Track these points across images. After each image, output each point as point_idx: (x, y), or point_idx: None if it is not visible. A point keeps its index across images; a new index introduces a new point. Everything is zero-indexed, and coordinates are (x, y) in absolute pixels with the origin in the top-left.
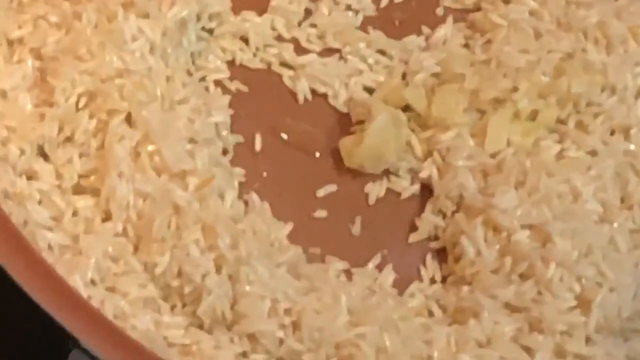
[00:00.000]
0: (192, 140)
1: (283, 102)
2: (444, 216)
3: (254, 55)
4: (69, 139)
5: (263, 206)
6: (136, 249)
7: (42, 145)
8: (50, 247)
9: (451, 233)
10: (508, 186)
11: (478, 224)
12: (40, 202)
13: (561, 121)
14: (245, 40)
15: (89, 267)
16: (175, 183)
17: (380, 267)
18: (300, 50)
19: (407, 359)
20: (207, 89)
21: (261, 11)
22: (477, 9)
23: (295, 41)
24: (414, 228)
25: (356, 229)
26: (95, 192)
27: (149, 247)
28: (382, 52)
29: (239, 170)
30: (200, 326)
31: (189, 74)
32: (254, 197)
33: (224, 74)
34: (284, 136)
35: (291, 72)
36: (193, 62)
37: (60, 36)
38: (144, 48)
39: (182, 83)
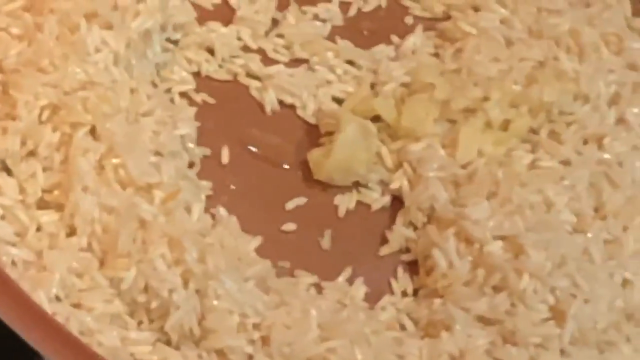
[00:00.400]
0: (157, 153)
1: (250, 114)
2: (415, 228)
3: (220, 66)
4: (32, 153)
5: (231, 219)
6: (102, 264)
7: (5, 159)
8: (14, 263)
9: (423, 245)
10: (480, 197)
11: (450, 236)
12: (3, 218)
13: (533, 131)
14: (211, 51)
15: (53, 283)
16: (141, 197)
17: (350, 281)
18: (267, 60)
19: None
20: (172, 100)
21: (227, 21)
22: (447, 17)
23: (262, 52)
24: (384, 240)
25: (326, 242)
26: (59, 207)
27: (115, 262)
28: (350, 62)
29: (206, 183)
30: (168, 342)
31: (154, 85)
32: (221, 210)
33: (190, 86)
34: (252, 148)
35: (258, 83)
36: (158, 74)
37: (22, 48)
38: (107, 59)
39: (147, 95)
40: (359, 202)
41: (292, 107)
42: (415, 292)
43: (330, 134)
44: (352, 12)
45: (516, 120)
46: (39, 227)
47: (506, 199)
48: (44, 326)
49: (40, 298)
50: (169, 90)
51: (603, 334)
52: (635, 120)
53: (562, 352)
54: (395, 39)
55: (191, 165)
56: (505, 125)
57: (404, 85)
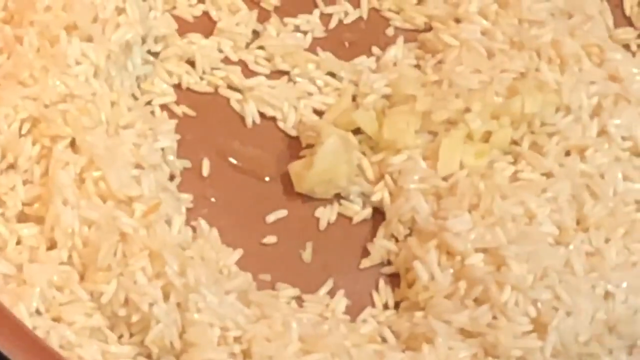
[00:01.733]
0: (138, 166)
1: (231, 126)
2: (397, 240)
3: (201, 78)
4: (12, 166)
5: (211, 232)
6: (82, 277)
7: None
8: None
9: (404, 258)
10: (461, 209)
11: (431, 248)
12: None
13: (515, 142)
14: (191, 63)
15: (33, 296)
16: (121, 209)
17: (331, 294)
18: (248, 72)
19: None
20: (153, 113)
21: (207, 33)
22: (428, 28)
23: (242, 63)
24: (366, 253)
25: (307, 254)
26: (39, 220)
27: (95, 276)
28: (331, 74)
29: (187, 196)
30: (149, 356)
31: (135, 98)
32: (202, 223)
33: (170, 98)
34: (232, 161)
35: (239, 95)
36: (138, 86)
37: (2, 61)
38: (87, 72)
39: (127, 107)
40: (340, 215)
41: (272, 119)
42: (397, 305)
43: (311, 146)
44: (333, 23)
45: (497, 131)
46: (19, 240)
47: (488, 211)
48: (24, 340)
49: (21, 312)
50: (149, 103)
51: (585, 347)
52: (617, 132)
53: None
54: (376, 50)
55: (172, 177)
56: (487, 137)
57: (385, 97)
